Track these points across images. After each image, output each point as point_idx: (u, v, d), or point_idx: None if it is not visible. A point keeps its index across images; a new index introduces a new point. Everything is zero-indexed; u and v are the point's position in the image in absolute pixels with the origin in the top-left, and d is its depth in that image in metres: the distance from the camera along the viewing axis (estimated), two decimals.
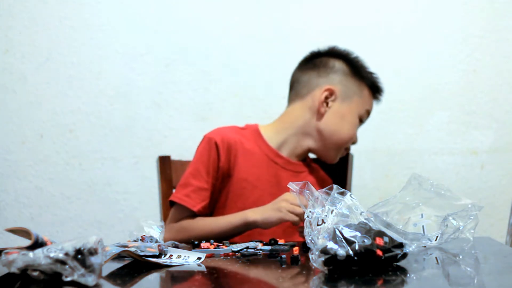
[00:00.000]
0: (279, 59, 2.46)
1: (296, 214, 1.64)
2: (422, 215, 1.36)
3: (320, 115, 1.85)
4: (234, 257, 1.35)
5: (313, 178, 1.89)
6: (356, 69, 1.89)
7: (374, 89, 1.92)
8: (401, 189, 1.39)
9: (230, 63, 2.34)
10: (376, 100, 1.94)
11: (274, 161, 1.85)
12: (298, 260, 1.26)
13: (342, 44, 2.45)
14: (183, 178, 1.82)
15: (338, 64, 1.89)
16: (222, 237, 1.70)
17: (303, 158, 1.92)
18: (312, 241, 1.15)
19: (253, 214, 1.69)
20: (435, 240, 1.33)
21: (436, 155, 2.46)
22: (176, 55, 2.43)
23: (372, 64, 2.46)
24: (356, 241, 1.11)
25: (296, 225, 1.69)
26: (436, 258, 1.28)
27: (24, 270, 1.07)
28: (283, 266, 1.25)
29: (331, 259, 1.11)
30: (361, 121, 1.91)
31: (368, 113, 1.91)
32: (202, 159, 1.80)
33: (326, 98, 1.85)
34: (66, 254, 1.04)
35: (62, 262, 1.04)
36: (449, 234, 1.33)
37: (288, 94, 1.94)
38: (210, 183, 1.79)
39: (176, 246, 1.42)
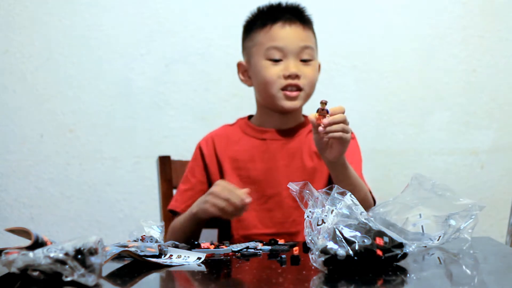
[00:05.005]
0: None
1: (220, 208, 1.63)
2: (421, 215, 1.36)
3: (249, 84, 1.95)
4: (234, 257, 1.35)
5: (301, 144, 1.89)
6: (245, 29, 1.95)
7: (264, 21, 1.89)
8: (402, 190, 1.40)
9: (230, 63, 2.33)
10: (277, 20, 1.88)
11: (261, 138, 1.91)
12: (298, 260, 1.26)
13: (342, 44, 2.47)
14: None
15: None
16: (192, 232, 1.77)
17: (294, 124, 1.92)
18: (312, 241, 1.15)
19: (195, 207, 1.74)
20: (437, 240, 1.33)
21: (436, 155, 2.46)
22: (176, 55, 2.43)
23: (372, 63, 2.47)
24: (356, 241, 1.11)
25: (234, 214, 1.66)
26: (438, 258, 1.28)
27: (24, 270, 1.08)
28: (283, 266, 1.25)
29: (331, 259, 1.11)
30: (275, 59, 1.85)
31: (275, 46, 1.85)
32: (189, 166, 1.95)
33: (243, 72, 1.95)
34: (66, 254, 1.04)
35: (62, 262, 1.04)
36: (449, 234, 1.33)
37: None
38: (194, 183, 1.89)
39: (176, 246, 1.42)
